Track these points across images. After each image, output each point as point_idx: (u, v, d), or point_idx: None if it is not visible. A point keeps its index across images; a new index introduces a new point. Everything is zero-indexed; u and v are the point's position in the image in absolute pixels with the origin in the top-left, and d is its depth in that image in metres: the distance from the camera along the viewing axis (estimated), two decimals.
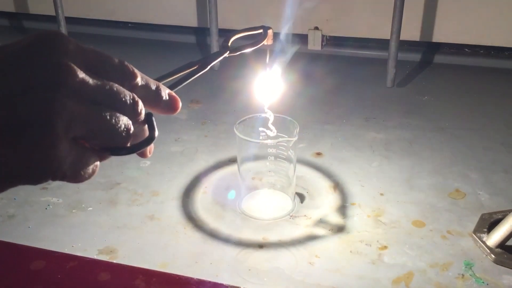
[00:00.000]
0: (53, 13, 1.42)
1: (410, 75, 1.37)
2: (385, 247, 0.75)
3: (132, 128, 0.33)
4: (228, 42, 0.50)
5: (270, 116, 0.79)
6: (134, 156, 1.07)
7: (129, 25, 1.65)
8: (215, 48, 1.40)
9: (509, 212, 0.76)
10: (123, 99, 0.33)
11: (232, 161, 0.97)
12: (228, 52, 0.49)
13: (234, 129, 0.80)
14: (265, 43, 0.59)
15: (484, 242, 0.75)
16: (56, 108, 0.29)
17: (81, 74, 0.30)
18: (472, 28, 1.38)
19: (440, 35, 1.41)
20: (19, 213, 0.83)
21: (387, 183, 0.91)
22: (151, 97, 0.36)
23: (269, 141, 0.80)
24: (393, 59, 1.26)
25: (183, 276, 0.65)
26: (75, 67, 0.30)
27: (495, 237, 0.75)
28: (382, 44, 1.41)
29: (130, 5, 1.60)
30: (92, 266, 0.66)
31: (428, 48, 1.46)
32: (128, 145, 0.34)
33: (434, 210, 0.84)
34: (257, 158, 0.85)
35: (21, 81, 0.29)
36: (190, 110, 1.18)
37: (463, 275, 0.70)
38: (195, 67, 0.43)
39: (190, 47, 1.58)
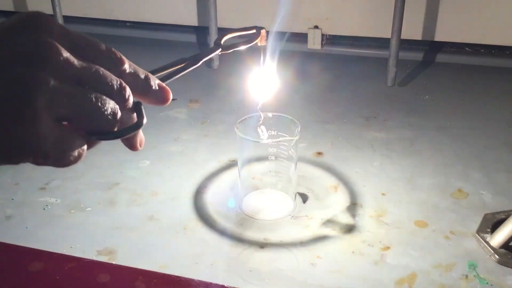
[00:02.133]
0: (51, 12, 1.41)
1: (411, 74, 1.36)
2: (388, 248, 0.75)
3: (119, 113, 0.32)
4: (221, 40, 0.51)
5: (260, 117, 0.78)
6: (133, 156, 1.07)
7: (127, 24, 1.65)
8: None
9: None
10: (110, 83, 0.32)
11: (232, 160, 0.97)
12: (220, 49, 0.49)
13: (235, 129, 0.79)
14: (258, 44, 0.60)
15: (487, 243, 0.74)
16: (37, 83, 0.28)
17: (66, 54, 0.30)
18: (473, 27, 1.38)
19: (441, 34, 1.41)
20: (17, 213, 0.82)
21: (389, 182, 0.90)
22: (140, 85, 0.35)
23: (270, 141, 0.80)
24: (393, 58, 1.25)
25: (183, 277, 0.65)
26: (59, 46, 0.30)
27: (498, 237, 0.74)
28: (382, 43, 1.41)
29: (129, 3, 1.59)
30: (91, 267, 0.65)
31: (430, 47, 1.46)
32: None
33: (436, 210, 0.83)
34: (258, 157, 0.85)
35: (3, 58, 0.28)
36: (190, 110, 1.18)
37: (467, 276, 0.70)
38: (187, 63, 0.43)
39: (190, 46, 1.57)
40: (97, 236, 0.77)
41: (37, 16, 0.30)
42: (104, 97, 0.31)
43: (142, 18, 1.61)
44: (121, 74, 0.34)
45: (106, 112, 0.31)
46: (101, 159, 0.97)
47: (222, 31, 0.53)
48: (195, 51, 1.59)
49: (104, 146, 1.08)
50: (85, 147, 0.32)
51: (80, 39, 0.32)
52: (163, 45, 1.56)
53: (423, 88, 1.29)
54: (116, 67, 0.33)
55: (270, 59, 0.69)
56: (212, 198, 0.87)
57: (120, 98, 0.33)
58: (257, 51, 0.61)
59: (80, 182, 0.90)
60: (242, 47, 0.53)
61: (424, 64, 1.43)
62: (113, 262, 0.71)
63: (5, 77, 0.28)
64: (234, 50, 0.51)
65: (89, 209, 0.84)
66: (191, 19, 1.57)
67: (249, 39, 0.55)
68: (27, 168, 0.94)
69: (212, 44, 1.48)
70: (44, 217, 0.81)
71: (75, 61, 0.31)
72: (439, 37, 1.41)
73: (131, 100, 0.34)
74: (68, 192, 0.87)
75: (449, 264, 0.72)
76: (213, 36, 1.38)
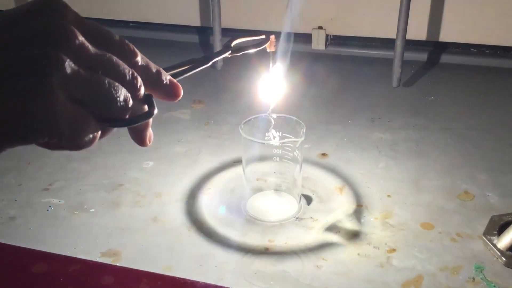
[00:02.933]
0: None
1: (416, 75, 1.36)
2: (394, 250, 0.74)
3: (131, 101, 0.33)
4: (231, 43, 0.51)
5: (271, 120, 0.78)
6: (136, 157, 1.06)
7: (131, 24, 1.65)
8: (218, 47, 1.39)
9: None
10: (123, 71, 0.33)
11: (236, 162, 0.96)
12: (230, 52, 0.50)
13: (240, 130, 0.79)
14: (268, 50, 0.61)
15: (494, 245, 0.74)
16: (53, 62, 0.29)
17: (81, 38, 0.31)
18: (478, 28, 1.37)
19: (446, 35, 1.40)
20: (20, 214, 0.82)
21: (394, 184, 0.90)
22: (151, 79, 0.36)
23: (275, 142, 0.79)
24: (398, 58, 1.25)
25: (188, 279, 0.64)
26: (76, 30, 0.31)
27: (505, 239, 0.74)
28: (387, 43, 1.41)
29: (132, 4, 1.59)
30: (95, 269, 0.65)
31: (435, 48, 1.45)
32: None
33: (442, 212, 0.83)
34: (262, 159, 0.84)
35: (19, 38, 0.29)
36: (193, 111, 1.17)
37: (473, 278, 0.69)
38: (197, 62, 0.44)
39: (193, 46, 1.57)
40: (101, 237, 0.77)
41: (54, 1, 0.31)
42: (117, 84, 0.32)
43: (145, 18, 1.61)
44: (133, 65, 0.34)
45: (118, 99, 0.32)
46: (104, 160, 0.97)
47: (233, 33, 0.53)
48: (199, 51, 1.60)
49: (108, 147, 1.08)
50: (98, 133, 0.33)
51: (94, 27, 0.33)
52: (166, 45, 1.56)
53: (428, 89, 1.28)
54: (128, 58, 0.34)
55: (279, 63, 0.69)
56: (216, 199, 0.86)
57: (132, 87, 0.33)
58: (262, 53, 0.62)
59: (83, 183, 0.90)
60: (251, 51, 0.53)
61: (429, 64, 1.42)
62: (117, 264, 0.71)
63: (23, 55, 0.29)
64: (243, 53, 0.52)
65: (93, 210, 0.83)
66: (194, 20, 1.57)
67: (258, 43, 0.56)
68: (31, 169, 0.94)
69: (216, 45, 1.48)
70: (47, 218, 0.81)
71: (89, 46, 0.31)
72: (444, 37, 1.41)
73: (142, 90, 0.34)
74: (71, 193, 0.87)
75: (456, 267, 0.71)
76: (216, 36, 1.37)
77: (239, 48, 0.51)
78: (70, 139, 0.31)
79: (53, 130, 0.29)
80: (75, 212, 0.83)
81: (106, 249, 0.74)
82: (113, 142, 1.02)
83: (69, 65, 0.30)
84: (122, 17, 1.62)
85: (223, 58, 0.50)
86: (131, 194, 0.87)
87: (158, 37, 1.61)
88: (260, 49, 0.56)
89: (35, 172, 0.93)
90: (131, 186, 0.89)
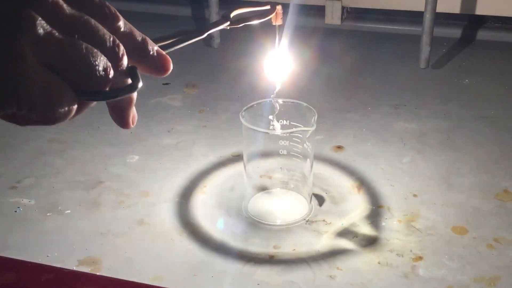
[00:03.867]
0: None
1: (448, 54, 1.36)
2: (420, 258, 0.75)
3: (111, 72, 0.33)
4: (230, 13, 0.52)
5: (277, 106, 0.79)
6: (119, 150, 1.07)
7: None
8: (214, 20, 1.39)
9: None
10: (102, 36, 0.33)
11: (236, 155, 0.97)
12: (228, 23, 0.50)
13: (240, 117, 0.79)
14: (273, 23, 0.61)
15: None
16: (24, 19, 0.30)
17: None
18: None
19: (484, 7, 1.40)
20: None
21: (421, 182, 0.91)
22: (136, 48, 0.36)
23: (281, 132, 0.80)
24: (427, 34, 1.25)
25: None
26: None
27: None
28: (414, 17, 1.41)
29: None
30: (72, 279, 0.66)
31: (470, 22, 1.46)
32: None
33: (478, 214, 0.83)
34: (266, 152, 0.85)
35: None
36: (186, 96, 1.18)
37: None
38: (190, 33, 0.44)
39: (186, 20, 1.57)
40: (78, 243, 0.78)
41: None
42: (96, 50, 0.32)
43: None
44: (114, 31, 0.34)
45: (97, 67, 0.32)
46: (82, 154, 0.98)
47: (231, 4, 0.54)
48: (191, 26, 1.59)
49: (86, 138, 1.09)
50: (75, 106, 0.33)
51: None
52: (155, 19, 1.57)
53: (462, 70, 1.29)
54: (109, 22, 0.34)
55: (285, 38, 0.70)
56: (212, 199, 0.87)
57: (113, 56, 0.33)
58: (265, 26, 0.62)
59: (57, 180, 0.91)
60: (254, 22, 0.54)
61: (463, 42, 1.43)
62: (97, 273, 0.72)
63: None
64: (244, 25, 0.52)
65: (69, 211, 0.84)
66: None
67: (262, 13, 0.56)
68: None
69: (212, 18, 1.48)
70: (15, 222, 0.82)
71: (64, 5, 0.32)
72: (481, 10, 1.41)
73: (125, 60, 0.34)
74: (43, 192, 0.88)
75: (493, 277, 0.72)
76: (213, 8, 1.38)
77: (240, 19, 0.52)
78: (42, 109, 0.31)
79: (23, 98, 0.30)
80: (48, 214, 0.84)
81: (84, 257, 0.75)
82: (92, 132, 1.03)
83: (40, 25, 0.30)
84: None
85: (221, 32, 0.51)
86: (113, 193, 0.88)
87: (146, 10, 1.62)
88: (264, 21, 0.56)
89: (1, 167, 0.94)
90: (113, 184, 0.90)
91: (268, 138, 0.82)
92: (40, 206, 0.85)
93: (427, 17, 1.24)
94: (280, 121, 0.81)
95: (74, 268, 0.73)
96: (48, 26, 0.30)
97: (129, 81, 0.36)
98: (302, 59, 0.77)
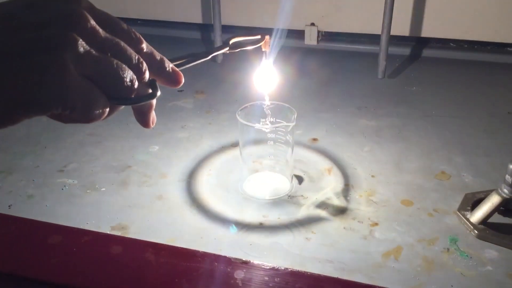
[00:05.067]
0: None
1: (400, 68, 1.36)
2: (376, 224, 0.75)
3: (136, 83, 0.34)
4: (230, 41, 0.53)
5: (266, 107, 0.79)
6: (143, 142, 1.07)
7: (138, 21, 1.65)
8: (218, 42, 1.39)
9: (491, 192, 0.76)
10: (129, 55, 0.33)
11: (234, 146, 0.97)
12: (228, 48, 0.51)
13: (237, 115, 0.79)
14: (263, 49, 0.61)
15: (468, 219, 0.75)
16: (68, 41, 0.30)
17: (92, 22, 0.32)
18: (457, 24, 1.38)
19: (428, 30, 1.41)
20: (38, 193, 0.83)
21: (378, 166, 0.91)
22: (155, 65, 0.36)
23: (268, 127, 0.80)
24: (384, 52, 1.25)
25: (189, 249, 0.65)
26: (88, 15, 0.32)
27: (478, 214, 0.75)
28: (373, 39, 1.41)
29: (140, 2, 1.60)
30: (105, 240, 0.66)
31: (417, 43, 1.46)
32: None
33: (421, 190, 0.84)
34: (257, 142, 0.85)
35: (38, 20, 0.30)
36: (196, 100, 1.18)
37: (448, 249, 0.70)
38: (197, 55, 0.45)
39: (195, 42, 1.57)
40: (111, 213, 0.78)
41: None
42: (124, 65, 0.33)
43: (151, 16, 1.61)
44: (139, 51, 0.35)
45: (125, 79, 0.33)
46: (114, 145, 0.98)
47: (231, 32, 0.55)
48: (201, 47, 1.59)
49: (117, 132, 1.09)
50: (107, 109, 0.33)
51: (105, 15, 0.34)
52: (171, 41, 1.56)
53: (411, 80, 1.29)
54: (135, 45, 0.35)
55: (271, 58, 0.70)
56: (216, 180, 0.87)
57: (137, 70, 0.34)
58: (257, 49, 0.62)
59: (95, 165, 0.91)
60: (247, 48, 0.55)
61: (411, 58, 1.43)
62: (126, 236, 0.72)
63: (41, 35, 0.29)
64: (240, 50, 0.53)
65: (104, 189, 0.84)
66: (196, 17, 1.57)
67: (254, 41, 0.57)
68: (47, 153, 0.95)
69: (216, 40, 1.48)
70: (62, 197, 0.82)
71: (100, 30, 0.32)
72: (425, 33, 1.41)
73: (147, 74, 0.35)
74: (84, 174, 0.88)
75: (432, 239, 0.72)
76: (217, 32, 1.38)
77: (237, 45, 0.53)
78: (82, 111, 0.31)
79: (67, 102, 0.30)
80: (87, 191, 0.84)
81: (115, 224, 0.75)
82: (122, 128, 1.02)
83: (81, 44, 0.30)
84: (130, 15, 1.62)
85: (223, 54, 0.52)
86: (139, 175, 0.88)
87: (164, 33, 1.62)
88: (255, 47, 0.57)
89: (51, 155, 0.94)
90: (138, 168, 0.90)
91: (258, 131, 0.82)
92: (81, 185, 0.85)
93: (383, 39, 1.24)
94: (268, 118, 0.81)
95: (108, 232, 0.73)
96: (87, 46, 0.31)
97: (150, 90, 0.36)
98: (285, 72, 0.77)
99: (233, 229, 0.75)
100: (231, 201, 0.82)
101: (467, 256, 0.69)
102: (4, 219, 0.70)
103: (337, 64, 1.39)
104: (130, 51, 0.34)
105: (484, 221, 0.74)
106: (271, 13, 1.45)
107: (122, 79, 0.32)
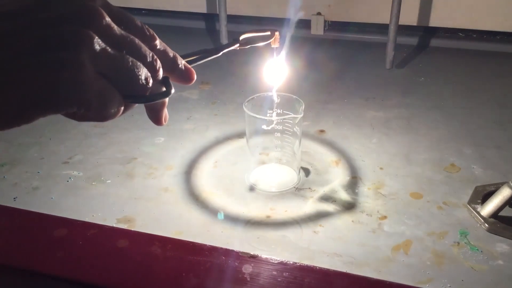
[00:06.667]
0: None
1: (408, 58, 1.35)
2: (385, 217, 0.74)
3: (151, 81, 0.33)
4: (239, 37, 0.53)
5: (273, 98, 0.78)
6: (148, 133, 1.06)
7: (143, 11, 1.63)
8: (223, 33, 1.38)
9: (501, 185, 0.75)
10: (144, 53, 0.33)
11: (241, 137, 0.96)
12: (238, 44, 0.52)
13: (243, 107, 0.78)
14: (272, 45, 0.61)
15: (478, 213, 0.74)
16: (84, 38, 0.29)
17: (108, 19, 0.31)
18: (465, 13, 1.36)
19: (436, 20, 1.39)
20: (43, 185, 0.82)
21: (386, 158, 0.90)
22: (168, 62, 0.36)
23: (276, 118, 0.79)
24: (392, 42, 1.24)
25: (196, 243, 0.65)
26: (103, 12, 0.31)
27: (488, 207, 0.74)
28: (381, 28, 1.39)
29: None
30: (112, 233, 0.65)
31: (425, 32, 1.44)
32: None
33: (430, 183, 0.82)
34: (264, 134, 0.84)
35: (54, 17, 0.30)
36: (201, 91, 1.17)
37: (458, 243, 0.69)
38: (209, 52, 0.45)
39: (200, 32, 1.55)
40: (117, 206, 0.77)
41: None
42: (139, 63, 0.32)
43: (156, 6, 1.60)
44: (152, 48, 0.34)
45: (140, 77, 0.32)
46: (119, 136, 0.97)
47: (236, 23, 0.56)
48: (206, 37, 1.59)
49: (123, 124, 1.08)
50: (122, 107, 0.33)
51: (119, 11, 0.33)
52: (176, 31, 1.55)
53: (419, 70, 1.27)
54: (148, 41, 0.34)
55: (282, 52, 0.69)
56: (222, 171, 0.87)
57: (152, 68, 0.33)
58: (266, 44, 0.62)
59: (100, 157, 0.90)
60: (257, 45, 0.55)
61: (419, 48, 1.41)
62: (132, 229, 0.71)
63: (57, 32, 0.29)
64: (250, 46, 0.54)
65: (109, 181, 0.84)
66: (201, 7, 1.55)
67: (264, 37, 0.57)
68: (52, 144, 0.94)
69: (222, 31, 1.47)
70: (67, 189, 0.82)
71: (115, 27, 0.32)
72: (433, 22, 1.39)
73: (161, 72, 0.34)
74: (89, 166, 0.88)
75: (442, 232, 0.71)
76: (222, 22, 1.36)
77: (247, 41, 0.53)
78: (97, 110, 0.31)
79: (83, 100, 0.29)
80: (93, 183, 0.83)
81: (121, 216, 0.75)
82: (128, 119, 1.02)
83: (97, 42, 0.30)
84: (134, 5, 1.61)
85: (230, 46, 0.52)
86: (144, 167, 0.87)
87: (168, 23, 1.60)
88: (265, 44, 0.57)
89: (56, 147, 0.93)
90: (144, 160, 0.90)
91: (265, 123, 0.81)
92: (87, 177, 0.85)
93: (392, 29, 1.22)
94: (275, 110, 0.80)
95: (113, 225, 0.73)
96: (103, 43, 0.30)
97: (163, 88, 0.36)
98: (292, 62, 0.76)
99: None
100: (237, 193, 0.81)
101: (477, 250, 0.68)
102: (9, 212, 0.70)
103: (344, 54, 1.37)
104: (145, 48, 0.33)
105: (494, 215, 0.73)
106: (278, 2, 1.43)
107: (137, 77, 0.32)
